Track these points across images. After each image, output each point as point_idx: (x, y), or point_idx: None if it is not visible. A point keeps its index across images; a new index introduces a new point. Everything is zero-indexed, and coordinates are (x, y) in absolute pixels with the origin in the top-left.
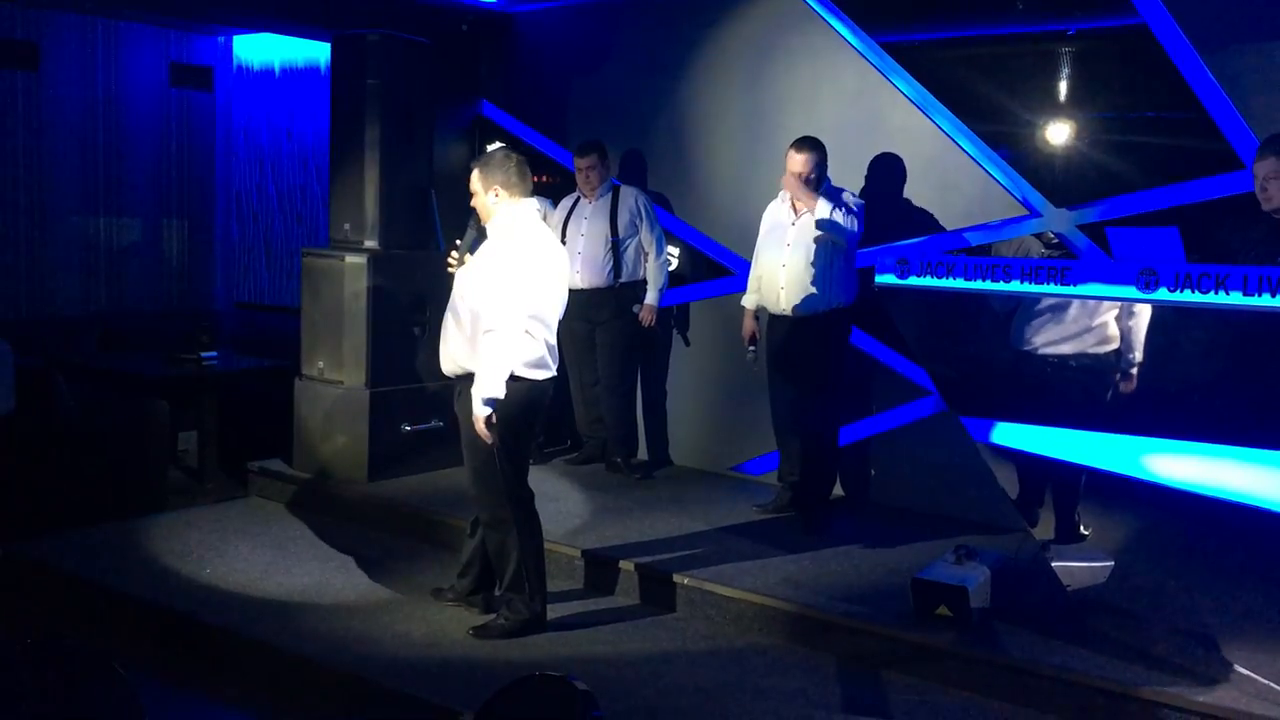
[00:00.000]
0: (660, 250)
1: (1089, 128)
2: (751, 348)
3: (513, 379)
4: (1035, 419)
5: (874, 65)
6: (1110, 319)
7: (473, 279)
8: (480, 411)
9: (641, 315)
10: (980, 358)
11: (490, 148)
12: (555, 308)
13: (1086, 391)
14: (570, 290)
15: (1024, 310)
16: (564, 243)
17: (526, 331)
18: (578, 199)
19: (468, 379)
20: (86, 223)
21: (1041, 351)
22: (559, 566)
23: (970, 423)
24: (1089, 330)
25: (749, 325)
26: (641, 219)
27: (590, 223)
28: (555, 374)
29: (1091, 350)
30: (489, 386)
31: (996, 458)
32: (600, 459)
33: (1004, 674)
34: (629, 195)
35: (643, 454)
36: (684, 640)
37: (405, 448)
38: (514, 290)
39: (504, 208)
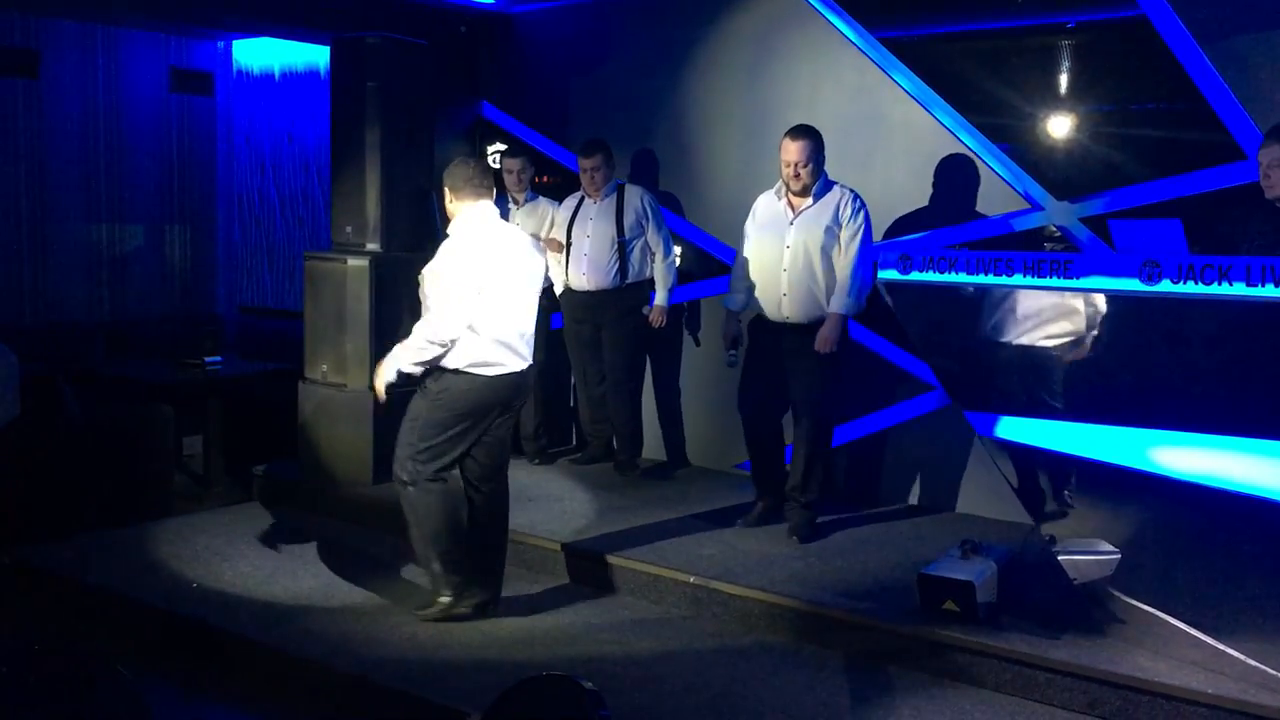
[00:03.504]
0: (668, 250)
1: (1090, 120)
2: (732, 351)
3: (455, 372)
4: (1029, 411)
5: (874, 61)
6: (1081, 304)
7: (429, 277)
8: (388, 375)
9: (652, 317)
10: (984, 351)
11: (490, 149)
12: (509, 306)
13: (1067, 378)
14: (575, 291)
15: (991, 301)
16: (569, 243)
17: (470, 328)
18: (582, 199)
19: (428, 373)
20: (89, 229)
21: (1018, 341)
22: (565, 566)
23: (975, 417)
24: (1063, 316)
25: (731, 328)
26: (647, 219)
27: (595, 223)
28: (514, 370)
29: (1066, 339)
30: (402, 362)
31: (1001, 451)
32: (606, 458)
33: (1011, 668)
34: (634, 195)
35: (659, 454)
36: (691, 639)
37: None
38: (453, 289)
39: (460, 211)
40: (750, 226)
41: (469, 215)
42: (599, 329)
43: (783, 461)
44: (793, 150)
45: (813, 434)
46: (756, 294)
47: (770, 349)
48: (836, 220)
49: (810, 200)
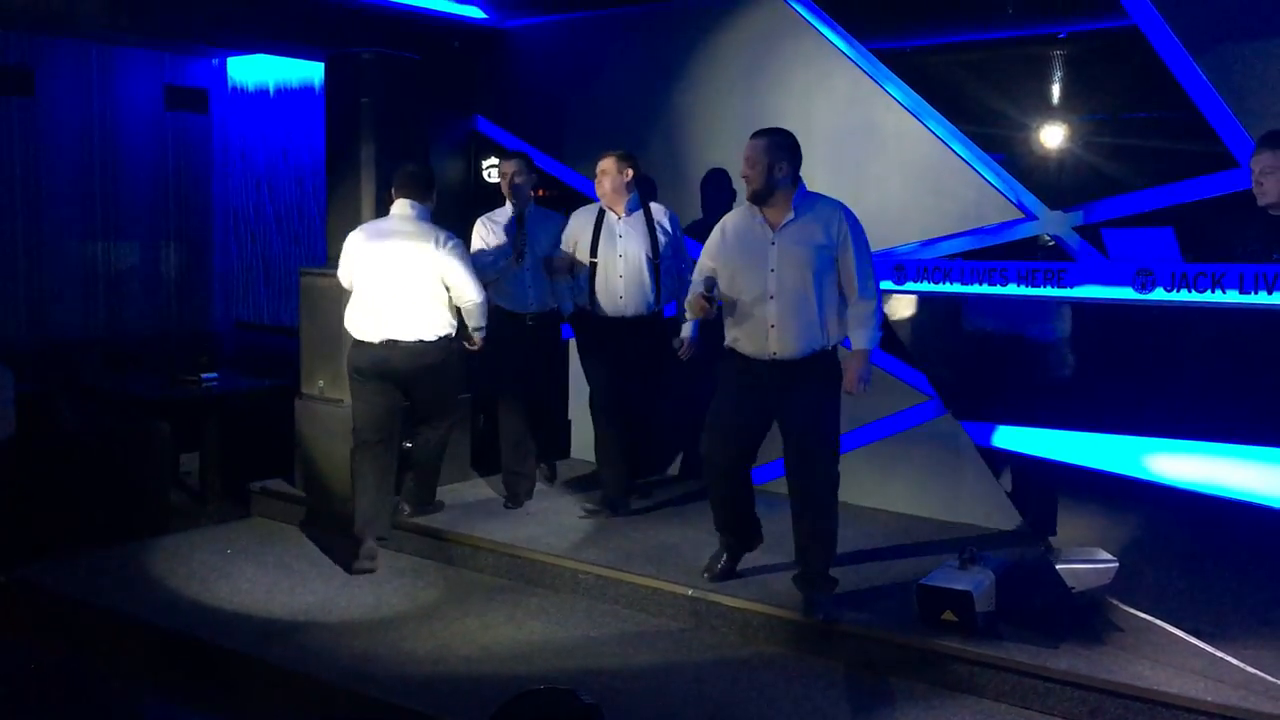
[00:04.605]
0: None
1: (1082, 130)
2: (706, 293)
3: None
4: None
5: (866, 72)
6: None
7: None
8: None
9: (683, 352)
10: (984, 360)
11: (486, 163)
12: (378, 286)
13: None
14: (607, 316)
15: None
16: (594, 260)
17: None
18: (601, 215)
19: None
20: (85, 246)
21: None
22: (564, 580)
23: (971, 426)
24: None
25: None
26: (678, 241)
27: (628, 241)
28: (378, 339)
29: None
30: None
31: (998, 460)
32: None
33: (1011, 677)
34: (661, 214)
35: (675, 470)
36: (690, 651)
37: (407, 465)
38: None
39: None
40: (718, 245)
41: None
42: (625, 356)
43: (754, 508)
44: (746, 149)
45: (824, 489)
46: (734, 327)
47: (751, 391)
48: (830, 238)
49: (791, 214)
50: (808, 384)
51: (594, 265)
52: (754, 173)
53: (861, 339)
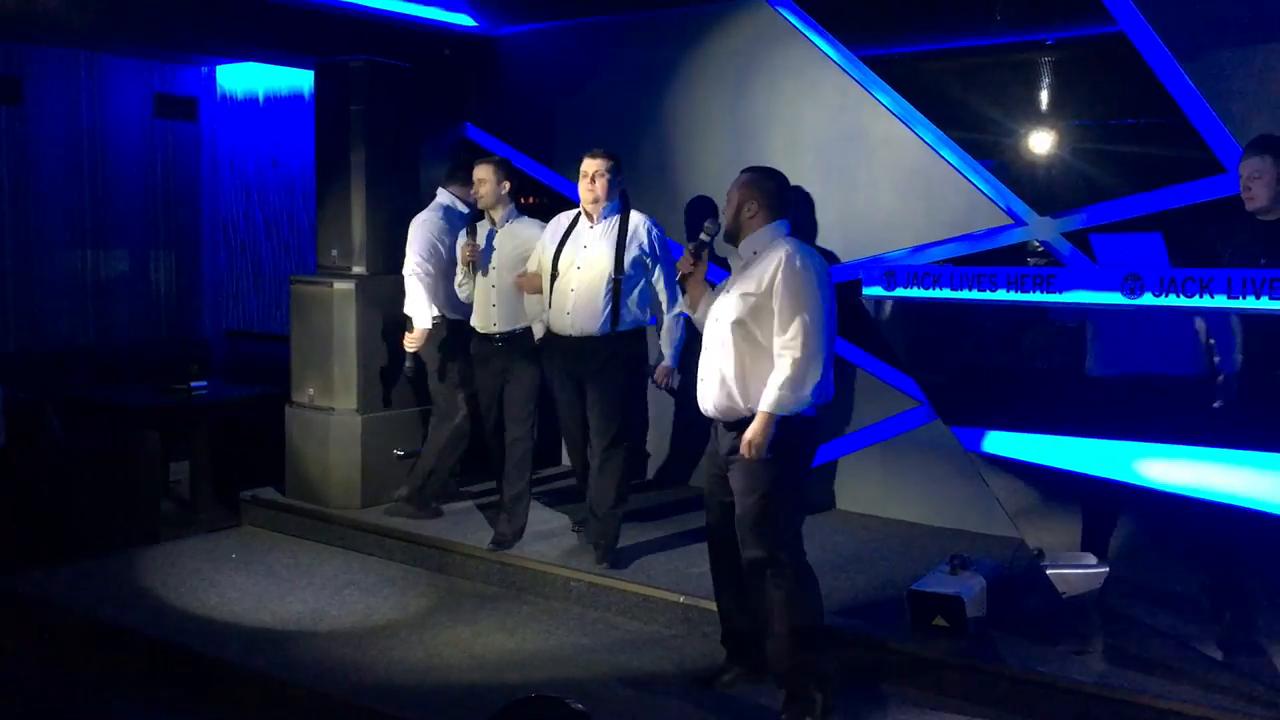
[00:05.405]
0: (674, 299)
1: (1070, 136)
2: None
3: None
4: None
5: (855, 79)
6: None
7: None
8: None
9: (657, 378)
10: (972, 366)
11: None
12: None
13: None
14: (558, 336)
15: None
16: (555, 273)
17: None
18: (575, 219)
19: None
20: (73, 255)
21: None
22: (555, 588)
23: (961, 432)
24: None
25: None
26: (656, 258)
27: (589, 253)
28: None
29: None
30: None
31: (988, 466)
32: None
33: (1001, 683)
34: (640, 225)
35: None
36: (681, 658)
37: (397, 473)
38: None
39: None
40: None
41: None
42: (581, 383)
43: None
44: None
45: (765, 580)
46: (698, 384)
47: (713, 449)
48: (760, 285)
49: (742, 261)
50: (739, 458)
51: (553, 277)
52: (727, 211)
53: (765, 399)
